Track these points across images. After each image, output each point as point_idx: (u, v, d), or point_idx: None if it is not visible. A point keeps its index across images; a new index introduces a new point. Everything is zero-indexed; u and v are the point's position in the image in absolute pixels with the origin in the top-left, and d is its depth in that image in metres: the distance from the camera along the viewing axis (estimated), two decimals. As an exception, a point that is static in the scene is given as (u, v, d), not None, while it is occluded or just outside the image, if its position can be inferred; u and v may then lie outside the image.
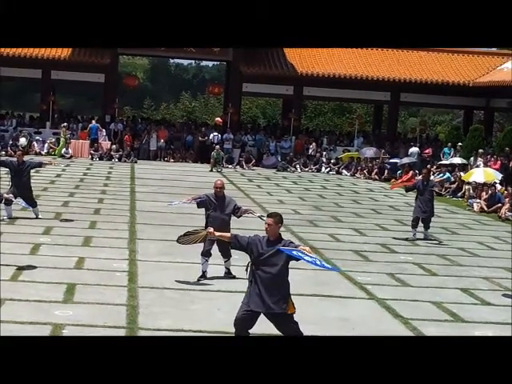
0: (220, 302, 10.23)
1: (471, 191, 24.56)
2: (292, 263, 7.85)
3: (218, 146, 31.28)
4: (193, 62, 73.04)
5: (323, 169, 32.63)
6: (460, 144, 31.47)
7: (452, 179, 27.53)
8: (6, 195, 13.38)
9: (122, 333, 8.74)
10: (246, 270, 7.89)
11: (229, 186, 24.27)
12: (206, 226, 11.29)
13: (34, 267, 11.57)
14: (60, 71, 33.27)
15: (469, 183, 25.05)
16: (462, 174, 27.18)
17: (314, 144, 34.02)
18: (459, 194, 25.87)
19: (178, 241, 10.10)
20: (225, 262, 11.72)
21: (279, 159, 32.88)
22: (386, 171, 30.88)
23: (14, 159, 16.93)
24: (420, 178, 17.69)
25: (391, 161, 31.54)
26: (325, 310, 10.32)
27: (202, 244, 11.56)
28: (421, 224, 16.52)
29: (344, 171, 32.12)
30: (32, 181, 17.07)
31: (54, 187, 21.70)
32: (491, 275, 13.30)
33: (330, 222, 18.42)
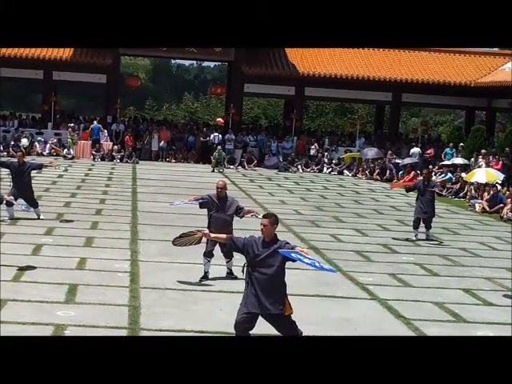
0: (222, 302, 10.23)
1: (473, 191, 24.55)
2: (292, 264, 7.85)
3: (219, 147, 31.29)
4: (194, 62, 73.07)
5: (325, 169, 32.62)
6: (462, 144, 31.46)
7: (453, 180, 27.52)
8: (7, 197, 13.38)
9: (123, 333, 8.74)
10: (242, 271, 7.89)
11: (230, 187, 24.26)
12: (209, 227, 11.31)
13: (34, 267, 11.57)
14: (62, 72, 33.29)
15: (471, 183, 25.03)
16: (463, 174, 27.19)
17: (315, 144, 34.02)
18: (461, 194, 25.85)
19: (173, 243, 10.06)
20: (227, 262, 11.72)
21: (281, 160, 32.88)
22: (388, 171, 30.87)
23: (15, 160, 16.92)
24: (421, 178, 17.67)
25: (393, 161, 31.53)
26: (326, 310, 10.32)
27: (202, 245, 11.58)
28: (422, 224, 16.51)
29: (346, 172, 32.12)
30: (34, 181, 17.10)
31: (56, 188, 21.71)
32: (493, 275, 13.30)
33: (331, 223, 18.41)
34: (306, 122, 45.51)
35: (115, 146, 32.28)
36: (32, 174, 16.98)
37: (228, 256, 11.53)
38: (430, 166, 29.21)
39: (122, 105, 37.06)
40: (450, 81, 34.74)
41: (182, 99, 61.09)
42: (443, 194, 18.67)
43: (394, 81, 34.37)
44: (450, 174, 28.14)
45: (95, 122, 33.27)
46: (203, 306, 10.15)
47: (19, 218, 15.74)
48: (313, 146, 33.87)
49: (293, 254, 7.43)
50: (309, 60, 35.29)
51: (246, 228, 13.14)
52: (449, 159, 30.73)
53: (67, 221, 16.09)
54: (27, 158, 19.97)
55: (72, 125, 32.84)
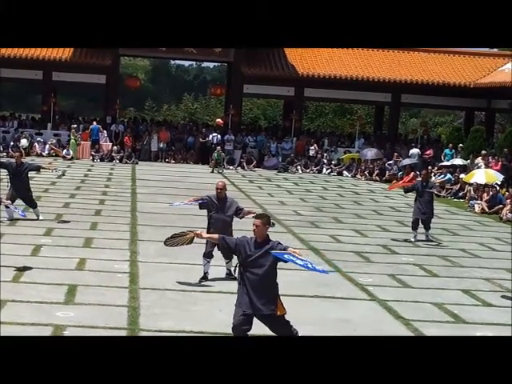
0: (221, 303, 10.22)
1: (472, 192, 24.55)
2: (290, 265, 7.85)
3: (218, 147, 31.28)
4: (194, 63, 73.01)
5: (324, 170, 32.63)
6: (461, 145, 31.46)
7: (453, 180, 27.52)
8: (4, 201, 13.36)
9: (123, 334, 8.74)
10: (235, 271, 7.90)
11: (230, 187, 24.25)
12: (209, 228, 11.31)
13: (30, 268, 11.56)
14: (61, 72, 33.29)
15: (470, 184, 25.03)
16: (462, 175, 27.18)
17: (315, 145, 34.02)
18: (460, 194, 25.85)
19: (165, 243, 10.05)
20: (226, 263, 11.71)
21: (280, 160, 32.89)
22: (387, 172, 30.89)
23: (13, 160, 16.91)
24: (420, 179, 17.67)
25: (392, 162, 31.51)
26: (326, 311, 10.32)
27: (201, 246, 11.58)
28: (421, 225, 16.51)
29: (345, 172, 32.13)
30: (33, 182, 17.11)
31: (55, 188, 21.70)
32: (492, 276, 13.30)
33: (330, 223, 18.41)
34: (305, 123, 45.52)
35: (114, 147, 32.29)
36: (31, 175, 16.98)
37: (227, 257, 11.52)
38: (430, 167, 29.25)
39: (122, 105, 37.03)
40: (449, 81, 34.75)
41: (182, 100, 61.10)
42: (442, 195, 18.62)
43: (394, 81, 34.38)
44: (449, 175, 28.14)
45: (95, 123, 33.26)
46: (203, 306, 10.15)
47: (18, 219, 15.72)
48: (312, 147, 33.86)
49: (285, 256, 7.41)
50: (308, 61, 35.30)
51: (246, 229, 13.12)
52: (448, 160, 30.73)
53: (64, 221, 16.08)
54: (26, 159, 20.01)
55: (75, 125, 32.81)
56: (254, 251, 7.65)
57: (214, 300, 10.47)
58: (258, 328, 7.84)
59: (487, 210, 22.53)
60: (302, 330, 7.99)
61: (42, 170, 17.04)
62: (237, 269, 7.80)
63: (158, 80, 73.67)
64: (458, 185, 26.53)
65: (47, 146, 32.15)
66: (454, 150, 31.62)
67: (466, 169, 28.31)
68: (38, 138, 32.56)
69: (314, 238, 15.84)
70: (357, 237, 16.65)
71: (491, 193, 23.11)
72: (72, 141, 31.92)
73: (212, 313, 9.75)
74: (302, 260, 7.38)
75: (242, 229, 12.78)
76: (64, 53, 32.81)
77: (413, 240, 16.32)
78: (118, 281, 11.20)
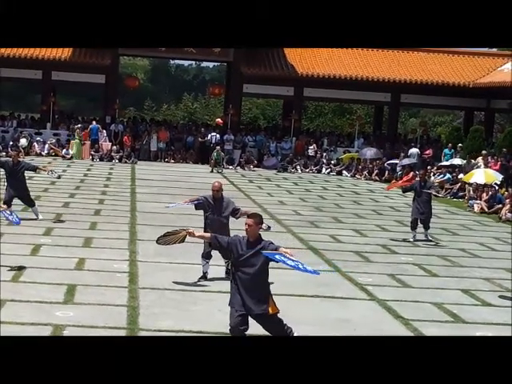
0: (220, 302, 10.19)
1: (472, 192, 24.56)
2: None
3: (218, 147, 31.28)
4: (193, 62, 72.99)
5: (324, 170, 32.63)
6: (460, 145, 31.46)
7: (452, 179, 27.53)
8: (1, 205, 13.31)
9: (122, 334, 8.73)
10: (228, 270, 7.91)
11: (229, 187, 24.28)
12: (205, 229, 11.29)
13: (24, 267, 11.53)
14: (61, 72, 33.29)
15: (470, 184, 25.04)
16: (461, 175, 27.19)
17: (314, 145, 34.02)
18: (460, 194, 25.85)
19: (157, 241, 10.05)
20: (225, 262, 11.70)
21: (279, 160, 32.89)
22: (387, 172, 30.89)
23: (10, 159, 16.89)
24: (417, 179, 17.64)
25: (391, 162, 31.53)
26: (325, 310, 10.32)
27: (201, 246, 11.58)
28: (421, 225, 16.51)
29: (344, 172, 32.12)
30: (32, 181, 17.11)
31: (55, 188, 21.69)
32: (492, 276, 13.30)
33: (330, 223, 18.41)
34: (304, 123, 45.52)
35: (114, 147, 32.28)
36: (31, 175, 16.96)
37: (226, 256, 11.50)
38: (429, 167, 29.25)
39: (121, 105, 37.02)
40: (448, 81, 34.76)
41: (181, 99, 61.09)
42: (440, 195, 18.52)
43: (393, 81, 34.39)
44: (448, 175, 28.14)
45: (94, 123, 33.25)
46: (202, 306, 10.15)
47: (18, 219, 15.73)
48: (311, 147, 33.86)
49: (276, 256, 7.39)
50: (308, 61, 35.30)
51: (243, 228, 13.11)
52: (447, 160, 30.73)
53: (60, 221, 16.04)
54: (26, 159, 19.99)
55: (80, 125, 32.77)
56: (246, 251, 7.66)
57: (213, 300, 10.47)
58: (258, 328, 7.84)
59: (486, 209, 22.53)
60: (302, 330, 7.99)
61: (38, 170, 16.92)
62: (228, 268, 7.83)
63: (157, 80, 73.65)
64: (458, 184, 26.52)
65: (46, 146, 32.14)
66: (453, 150, 31.62)
67: (464, 168, 28.27)
68: (38, 138, 32.55)
69: (314, 238, 15.84)
70: (356, 236, 16.65)
71: (490, 193, 23.12)
72: (76, 141, 31.93)
73: (211, 312, 9.74)
74: (292, 261, 7.37)
75: (242, 228, 12.79)
76: (63, 52, 32.81)
77: (411, 240, 16.32)
78: (118, 280, 11.20)
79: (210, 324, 9.09)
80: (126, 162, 31.32)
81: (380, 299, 11.10)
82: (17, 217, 11.95)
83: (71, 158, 31.33)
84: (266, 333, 7.87)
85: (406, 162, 30.37)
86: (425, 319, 10.13)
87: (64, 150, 31.71)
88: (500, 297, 11.76)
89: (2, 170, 16.48)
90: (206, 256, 11.53)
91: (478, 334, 9.60)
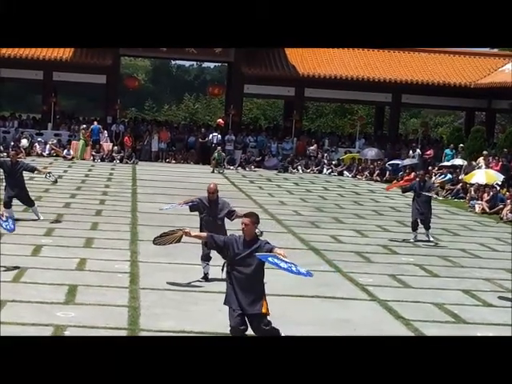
0: (221, 303, 10.19)
1: (473, 193, 24.55)
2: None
3: (219, 147, 31.28)
4: (194, 63, 73.01)
5: (325, 170, 32.62)
6: (462, 145, 31.45)
7: (452, 180, 27.53)
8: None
9: (123, 334, 8.73)
10: (222, 269, 7.92)
11: (230, 188, 24.31)
12: (201, 230, 11.27)
13: (18, 267, 11.52)
14: (62, 72, 33.31)
15: (471, 185, 25.03)
16: (462, 175, 27.18)
17: (315, 145, 34.02)
18: (461, 195, 25.84)
19: (153, 242, 10.06)
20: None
21: (280, 160, 32.89)
22: (388, 172, 30.89)
23: (8, 159, 16.88)
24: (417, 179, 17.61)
25: (392, 162, 31.52)
26: (326, 311, 10.32)
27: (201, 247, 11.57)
28: (421, 226, 16.51)
29: (345, 172, 32.11)
30: (33, 181, 17.12)
31: (56, 188, 21.67)
32: (492, 276, 13.29)
33: (331, 224, 18.41)
34: (305, 123, 45.51)
35: (115, 147, 32.29)
36: (33, 175, 16.95)
37: (224, 256, 11.47)
38: (430, 167, 29.25)
39: (123, 105, 37.02)
40: (449, 82, 34.76)
41: (183, 100, 61.09)
42: (440, 197, 18.38)
43: (394, 82, 34.39)
44: (449, 175, 28.14)
45: (95, 123, 33.25)
46: (203, 306, 10.15)
47: (19, 219, 15.72)
48: (312, 147, 33.86)
49: (270, 258, 7.34)
50: (309, 61, 35.29)
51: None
52: (449, 160, 30.72)
53: (56, 221, 15.99)
54: (27, 159, 19.99)
55: (85, 126, 32.76)
56: (243, 250, 7.67)
57: (214, 300, 10.44)
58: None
59: (487, 210, 22.52)
60: (303, 330, 8.00)
61: (36, 171, 16.84)
62: (224, 268, 7.84)
63: (158, 80, 73.68)
64: (459, 184, 26.51)
65: (48, 146, 32.15)
66: (454, 151, 31.61)
67: (464, 169, 28.24)
68: (39, 138, 32.57)
69: (315, 238, 15.84)
70: (357, 237, 16.65)
71: (491, 193, 23.11)
72: (81, 141, 31.96)
73: (212, 313, 9.74)
74: (286, 263, 7.31)
75: (239, 229, 12.79)
76: (64, 53, 32.82)
77: (412, 240, 16.31)
78: (119, 281, 11.21)
79: (211, 324, 9.09)
80: (126, 163, 31.32)
81: (381, 299, 11.10)
82: (12, 223, 11.79)
83: (72, 158, 31.33)
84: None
85: (407, 162, 30.36)
86: (425, 319, 10.13)
87: (65, 151, 31.73)
88: (499, 297, 11.75)
89: (1, 170, 16.50)
90: (206, 258, 11.52)
91: (478, 334, 9.59)
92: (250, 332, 7.78)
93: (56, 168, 27.65)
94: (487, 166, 27.10)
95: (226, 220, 11.71)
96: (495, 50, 38.24)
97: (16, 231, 14.40)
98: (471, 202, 23.87)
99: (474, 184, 24.73)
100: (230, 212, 11.53)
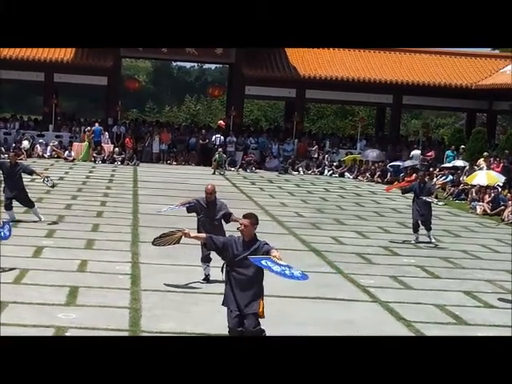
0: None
1: (474, 194, 24.54)
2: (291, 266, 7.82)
3: (220, 149, 31.28)
4: (195, 64, 73.01)
5: (326, 171, 32.62)
6: (463, 147, 31.45)
7: (453, 181, 27.52)
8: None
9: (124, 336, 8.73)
10: (222, 270, 7.91)
11: (231, 189, 24.31)
12: (198, 231, 11.27)
13: (14, 268, 11.51)
14: (63, 74, 33.33)
15: (472, 186, 25.02)
16: (463, 177, 27.17)
17: (316, 147, 34.02)
18: (462, 196, 25.83)
19: (153, 243, 10.04)
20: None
21: (280, 162, 32.89)
22: (389, 174, 30.88)
23: (7, 161, 16.87)
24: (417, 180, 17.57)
25: (393, 163, 31.52)
26: (328, 312, 10.31)
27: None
28: (422, 227, 16.49)
29: (347, 174, 32.11)
30: (35, 183, 17.10)
31: (57, 190, 21.66)
32: (494, 278, 13.28)
33: (332, 225, 18.41)
34: (306, 125, 45.50)
35: (116, 149, 32.30)
36: (34, 176, 16.94)
37: (224, 257, 11.45)
38: (431, 169, 29.24)
39: (124, 107, 37.02)
40: (450, 83, 34.76)
41: (184, 101, 61.10)
42: (439, 204, 17.98)
43: (395, 83, 34.39)
44: (450, 176, 28.13)
45: (97, 124, 33.26)
46: (204, 307, 10.14)
47: (20, 221, 15.76)
48: (314, 149, 33.86)
49: (263, 262, 7.23)
50: (310, 62, 35.30)
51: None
52: (450, 161, 30.72)
53: (53, 223, 15.96)
54: (28, 161, 19.98)
55: (89, 127, 32.78)
56: (242, 251, 7.66)
57: (215, 301, 10.41)
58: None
59: (489, 211, 22.51)
60: (304, 331, 7.99)
61: (34, 175, 16.78)
62: (224, 269, 7.83)
63: (159, 81, 73.67)
64: (461, 185, 26.50)
65: (49, 148, 32.16)
66: (455, 152, 31.60)
67: (465, 173, 28.22)
68: (40, 140, 32.59)
69: (316, 240, 15.83)
70: (358, 238, 16.64)
71: (493, 194, 23.09)
72: (86, 143, 31.99)
73: (213, 314, 9.73)
74: (280, 266, 7.19)
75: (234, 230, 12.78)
76: (66, 54, 32.84)
77: (413, 242, 16.30)
78: (120, 282, 11.20)
79: (212, 326, 9.08)
80: (128, 164, 31.33)
81: (382, 301, 11.09)
82: (8, 230, 11.57)
83: (73, 160, 31.34)
84: (268, 333, 7.85)
85: (408, 163, 30.36)
86: (427, 321, 10.13)
87: (66, 152, 31.74)
88: (499, 299, 11.72)
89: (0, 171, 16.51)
90: (206, 260, 11.50)
91: (480, 335, 9.58)
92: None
93: (57, 169, 27.69)
94: (488, 168, 27.09)
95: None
96: (496, 52, 38.25)
97: (17, 233, 14.44)
98: (472, 203, 23.86)
99: (475, 185, 24.72)
100: (227, 215, 11.50)
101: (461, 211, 23.11)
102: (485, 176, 24.87)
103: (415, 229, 16.47)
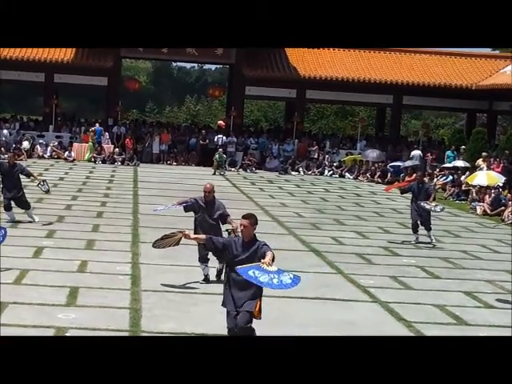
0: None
1: (474, 194, 24.54)
2: (292, 266, 7.83)
3: (220, 149, 31.28)
4: (195, 65, 73.04)
5: (326, 172, 32.62)
6: (463, 147, 31.46)
7: (454, 181, 27.52)
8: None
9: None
10: (220, 273, 7.93)
11: (232, 189, 24.31)
12: (195, 230, 11.26)
13: (10, 269, 11.50)
14: (63, 74, 33.34)
15: (473, 186, 25.02)
16: (463, 177, 27.17)
17: (316, 147, 34.02)
18: (462, 196, 25.82)
19: (153, 245, 10.02)
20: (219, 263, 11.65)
21: (280, 162, 32.90)
22: (389, 174, 30.88)
23: (6, 161, 16.87)
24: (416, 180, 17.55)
25: (393, 164, 31.52)
26: (328, 312, 10.31)
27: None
28: (422, 227, 16.49)
29: (347, 174, 32.11)
30: (35, 183, 17.08)
31: (57, 190, 21.70)
32: (494, 278, 13.28)
33: (332, 225, 18.40)
34: (306, 125, 45.51)
35: (116, 149, 32.30)
36: (30, 178, 16.92)
37: (221, 259, 11.46)
38: (430, 170, 29.26)
39: (124, 107, 37.02)
40: (451, 83, 34.76)
41: (184, 102, 61.12)
42: (437, 210, 17.75)
43: (395, 83, 34.39)
44: (451, 177, 28.13)
45: (97, 125, 33.26)
46: (204, 308, 10.14)
47: (20, 221, 15.75)
48: (314, 149, 33.86)
49: (250, 273, 7.11)
50: (310, 63, 35.31)
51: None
52: (450, 162, 30.73)
53: (49, 223, 15.92)
54: (29, 161, 19.97)
55: (93, 128, 32.78)
56: (241, 251, 7.66)
57: (215, 301, 10.40)
58: (259, 329, 7.84)
59: (489, 211, 22.50)
60: (304, 332, 7.99)
61: (32, 177, 16.72)
62: (223, 270, 7.84)
63: (159, 82, 73.67)
64: (462, 185, 26.49)
65: (49, 148, 32.16)
66: (456, 152, 31.61)
67: (467, 171, 28.24)
68: (40, 140, 32.59)
69: (316, 240, 15.83)
70: (358, 239, 16.64)
71: (493, 194, 23.09)
72: (90, 144, 32.00)
73: (213, 314, 9.72)
74: (268, 275, 7.09)
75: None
76: (66, 55, 32.85)
77: (413, 242, 16.30)
78: (120, 283, 11.20)
79: (212, 326, 9.08)
80: (128, 165, 31.33)
81: (382, 301, 11.09)
82: (2, 235, 11.26)
83: (73, 160, 31.35)
84: (267, 333, 7.85)
85: (408, 164, 30.36)
86: (427, 321, 10.12)
87: (66, 153, 31.75)
88: (497, 300, 11.71)
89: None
90: (203, 260, 11.49)
91: (480, 335, 9.58)
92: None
93: (57, 170, 27.70)
94: (488, 168, 27.09)
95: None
96: (496, 52, 38.25)
97: (17, 233, 14.44)
98: (473, 203, 23.86)
99: (474, 186, 24.72)
100: (224, 216, 11.47)
101: (461, 211, 23.11)
102: (485, 176, 24.88)
103: (415, 229, 16.47)
